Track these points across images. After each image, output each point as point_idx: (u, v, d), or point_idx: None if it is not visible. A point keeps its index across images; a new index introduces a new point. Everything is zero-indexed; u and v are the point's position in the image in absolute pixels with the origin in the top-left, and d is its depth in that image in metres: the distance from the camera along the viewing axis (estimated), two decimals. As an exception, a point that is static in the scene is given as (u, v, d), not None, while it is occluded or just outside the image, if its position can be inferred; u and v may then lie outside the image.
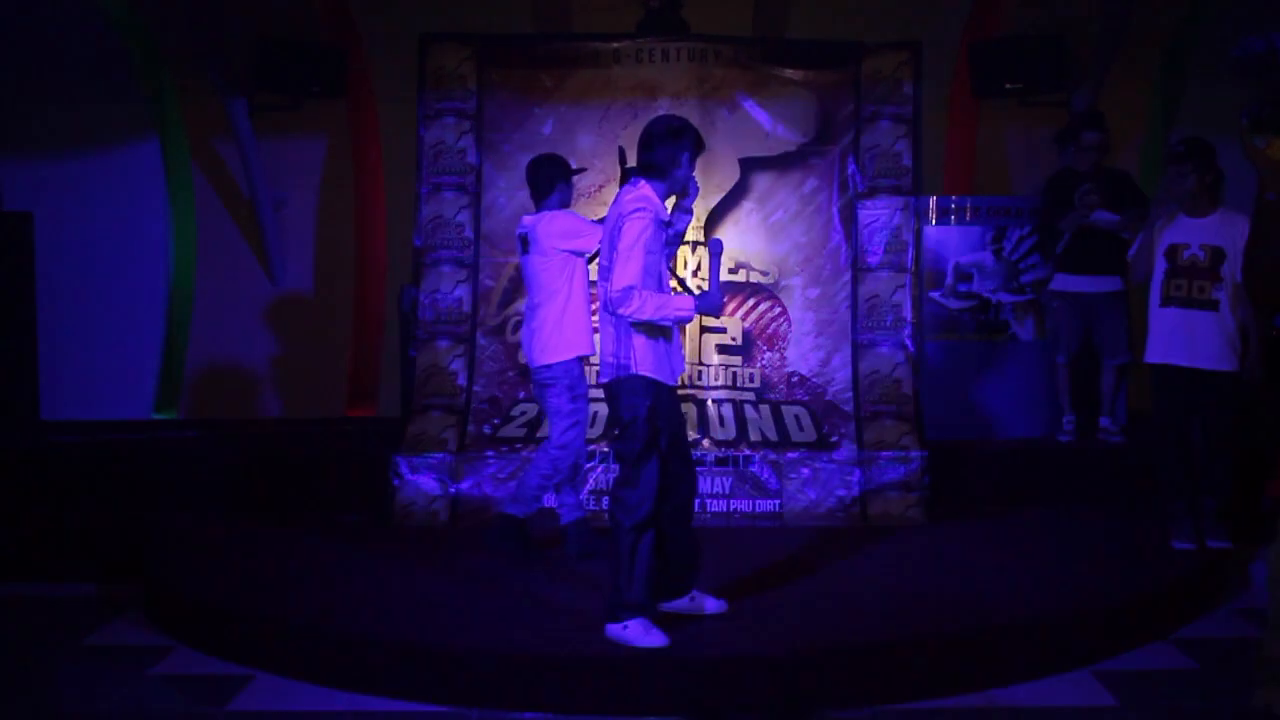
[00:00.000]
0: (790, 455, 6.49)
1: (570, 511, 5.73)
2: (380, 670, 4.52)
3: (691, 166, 4.62)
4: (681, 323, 4.72)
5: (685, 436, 4.80)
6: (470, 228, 6.87)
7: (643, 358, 4.49)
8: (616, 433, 4.61)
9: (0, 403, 6.72)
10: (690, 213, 4.88)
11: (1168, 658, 4.89)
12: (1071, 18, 7.90)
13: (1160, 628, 5.11)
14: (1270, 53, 4.85)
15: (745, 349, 6.82)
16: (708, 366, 6.75)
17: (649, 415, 4.48)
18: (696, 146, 4.61)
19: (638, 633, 4.44)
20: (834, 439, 6.58)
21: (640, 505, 4.46)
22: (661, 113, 6.81)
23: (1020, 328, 7.32)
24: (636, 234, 4.42)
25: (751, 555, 5.65)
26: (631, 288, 4.38)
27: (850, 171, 6.87)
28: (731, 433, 6.59)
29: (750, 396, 6.75)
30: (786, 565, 5.39)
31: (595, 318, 5.16)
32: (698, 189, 4.84)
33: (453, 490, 6.46)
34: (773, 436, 6.55)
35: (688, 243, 6.79)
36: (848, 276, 6.83)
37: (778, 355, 6.84)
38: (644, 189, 4.55)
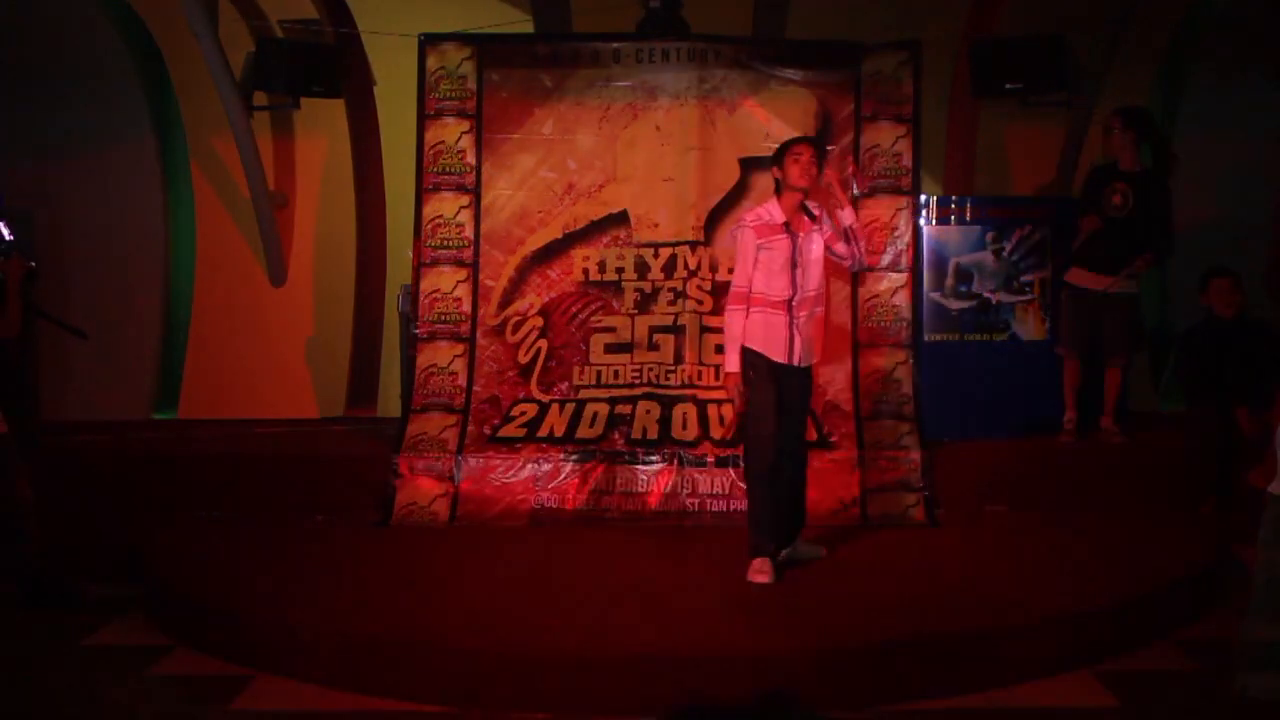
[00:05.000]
0: (790, 455, 6.47)
1: None
2: (380, 670, 4.52)
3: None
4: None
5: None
6: (470, 228, 6.86)
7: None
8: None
9: (0, 403, 6.70)
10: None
11: (1168, 658, 4.89)
12: (1071, 18, 7.90)
13: (1160, 628, 5.11)
14: None
15: (745, 349, 6.81)
16: (707, 367, 6.74)
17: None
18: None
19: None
20: (834, 439, 6.57)
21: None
22: (661, 113, 6.86)
23: (1020, 328, 7.31)
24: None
25: (751, 555, 5.63)
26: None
27: (850, 171, 6.87)
28: (731, 432, 6.58)
29: (750, 396, 6.74)
30: (786, 565, 5.38)
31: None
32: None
33: (453, 490, 6.46)
34: (773, 436, 6.52)
35: (687, 243, 6.81)
36: (848, 276, 6.83)
37: (778, 355, 6.83)
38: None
